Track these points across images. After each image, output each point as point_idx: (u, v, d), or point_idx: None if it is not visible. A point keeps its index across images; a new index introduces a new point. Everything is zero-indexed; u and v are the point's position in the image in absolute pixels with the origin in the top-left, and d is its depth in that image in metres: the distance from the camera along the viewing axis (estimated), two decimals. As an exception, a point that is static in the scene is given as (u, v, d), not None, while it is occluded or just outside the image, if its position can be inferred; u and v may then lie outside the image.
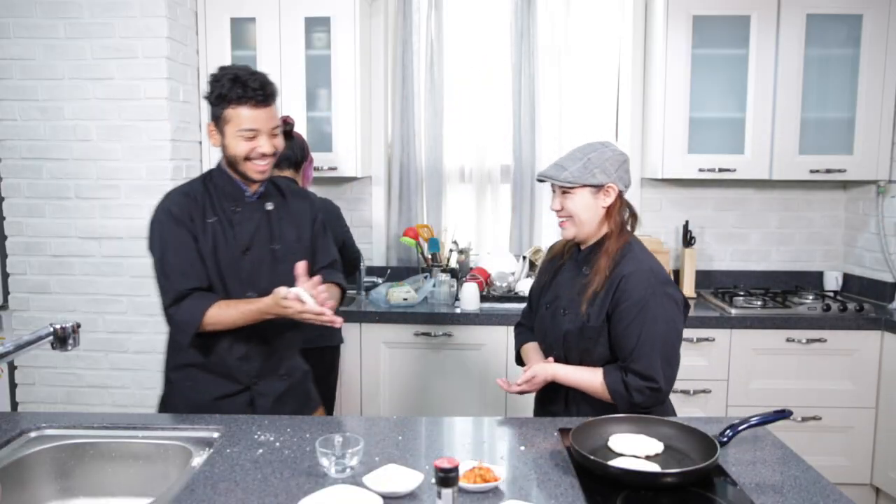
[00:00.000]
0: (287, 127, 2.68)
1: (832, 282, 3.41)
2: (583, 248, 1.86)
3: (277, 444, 1.55)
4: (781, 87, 3.10)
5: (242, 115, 1.74)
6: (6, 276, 2.99)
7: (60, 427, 1.66)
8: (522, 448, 1.55)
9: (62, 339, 1.48)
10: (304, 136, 2.85)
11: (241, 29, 3.16)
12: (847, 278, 3.42)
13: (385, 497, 1.29)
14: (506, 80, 3.49)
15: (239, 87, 1.72)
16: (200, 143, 3.20)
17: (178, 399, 1.91)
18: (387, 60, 3.51)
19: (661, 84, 3.14)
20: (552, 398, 1.88)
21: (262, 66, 3.10)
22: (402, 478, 1.35)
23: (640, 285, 1.71)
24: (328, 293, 1.76)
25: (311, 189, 2.81)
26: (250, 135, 1.75)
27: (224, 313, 1.76)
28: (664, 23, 3.10)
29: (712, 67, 3.14)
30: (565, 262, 1.91)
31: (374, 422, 1.71)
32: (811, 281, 3.49)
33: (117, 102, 2.87)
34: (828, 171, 3.13)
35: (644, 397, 1.70)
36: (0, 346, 1.41)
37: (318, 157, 3.06)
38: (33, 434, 1.64)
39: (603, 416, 1.61)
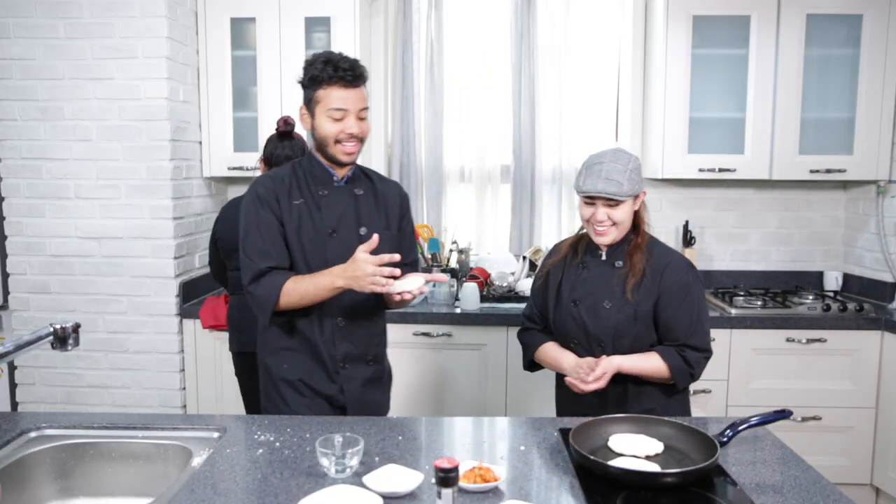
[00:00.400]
0: (287, 127, 2.68)
1: (832, 282, 3.41)
2: (605, 246, 1.93)
3: (277, 444, 1.55)
4: (781, 87, 3.09)
5: (332, 95, 1.80)
6: (6, 276, 2.99)
7: (60, 427, 1.66)
8: (522, 448, 1.55)
9: (62, 339, 1.48)
10: (303, 136, 2.85)
11: (241, 29, 3.16)
12: (847, 278, 3.42)
13: (385, 497, 1.29)
14: (506, 80, 3.49)
15: (330, 67, 1.79)
16: (200, 143, 3.20)
17: (277, 382, 1.94)
18: (387, 60, 3.51)
19: (661, 84, 3.14)
20: (578, 397, 1.89)
21: (262, 66, 3.13)
22: (402, 478, 1.35)
23: (680, 271, 1.90)
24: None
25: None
26: (339, 115, 1.80)
27: (299, 285, 1.80)
28: (664, 23, 3.10)
29: (712, 67, 3.14)
30: (583, 260, 1.97)
31: (374, 422, 1.71)
32: (811, 281, 3.49)
33: (117, 102, 2.87)
34: (828, 171, 3.13)
35: (701, 368, 1.89)
36: (0, 346, 1.41)
37: (318, 157, 3.06)
38: (33, 434, 1.64)
39: (603, 416, 1.62)
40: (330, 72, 1.78)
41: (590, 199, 1.87)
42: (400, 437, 1.60)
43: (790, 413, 1.69)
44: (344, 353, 1.91)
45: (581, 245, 2.00)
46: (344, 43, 3.10)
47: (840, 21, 3.08)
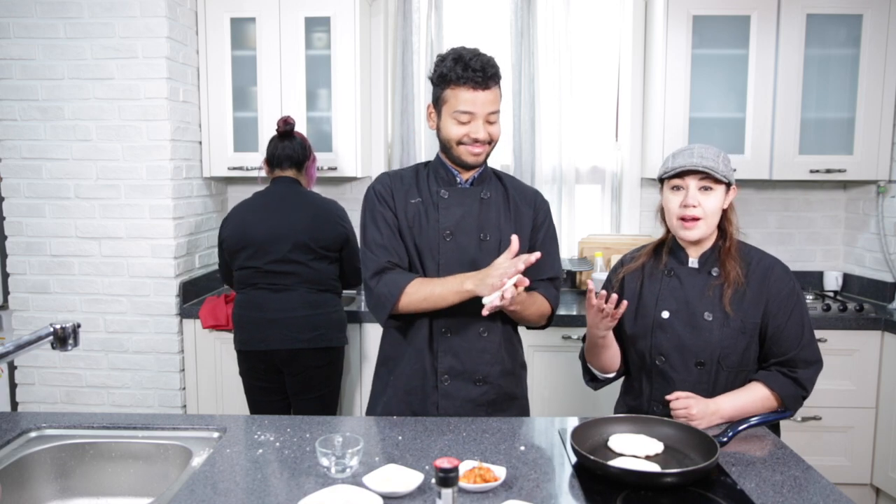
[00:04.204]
0: (287, 127, 2.69)
1: (832, 282, 3.41)
2: (691, 251, 1.77)
3: (277, 444, 1.55)
4: (781, 87, 3.10)
5: (460, 97, 1.70)
6: (6, 276, 2.99)
7: (60, 427, 1.66)
8: (522, 448, 1.55)
9: (62, 339, 1.47)
10: (304, 135, 2.85)
11: (241, 29, 3.16)
12: (847, 278, 3.42)
13: (385, 497, 1.29)
14: (506, 80, 3.47)
15: (460, 66, 1.68)
16: (200, 143, 3.20)
17: (379, 390, 1.88)
18: (387, 60, 3.51)
19: (661, 84, 3.14)
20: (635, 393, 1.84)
21: (262, 66, 3.13)
22: (402, 478, 1.35)
23: (786, 275, 1.74)
24: (521, 293, 1.66)
25: (313, 189, 2.81)
26: (465, 118, 1.71)
27: (425, 285, 1.70)
28: (664, 23, 3.10)
29: (712, 67, 3.14)
30: (668, 267, 1.79)
31: (374, 422, 1.71)
32: (811, 281, 3.49)
33: (117, 102, 2.87)
34: (828, 171, 3.12)
35: (813, 384, 1.72)
36: (0, 346, 1.41)
37: (318, 157, 3.06)
38: (33, 434, 1.64)
39: (603, 416, 1.61)
40: (459, 71, 1.68)
41: (679, 182, 1.68)
42: (400, 437, 1.60)
43: (790, 413, 1.69)
44: (447, 366, 1.77)
45: (664, 250, 1.81)
46: (344, 43, 3.10)
47: (840, 21, 3.08)
